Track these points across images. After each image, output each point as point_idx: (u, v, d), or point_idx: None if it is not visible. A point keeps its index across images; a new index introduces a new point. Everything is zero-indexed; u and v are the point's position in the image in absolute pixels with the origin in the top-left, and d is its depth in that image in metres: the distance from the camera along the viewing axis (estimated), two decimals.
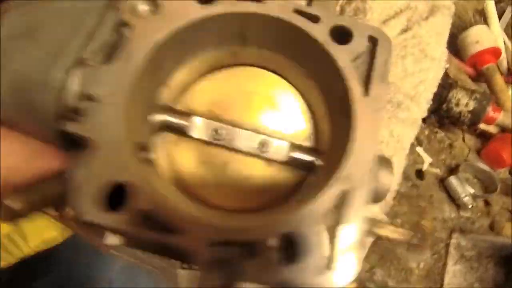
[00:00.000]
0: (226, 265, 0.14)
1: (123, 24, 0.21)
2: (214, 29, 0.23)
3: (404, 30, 0.50)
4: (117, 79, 0.19)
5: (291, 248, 0.15)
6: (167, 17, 0.21)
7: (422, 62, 0.46)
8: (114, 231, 0.16)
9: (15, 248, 1.17)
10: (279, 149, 0.23)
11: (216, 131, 0.24)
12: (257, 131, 0.24)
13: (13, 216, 0.18)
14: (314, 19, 0.21)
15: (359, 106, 0.19)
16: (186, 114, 0.25)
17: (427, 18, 0.51)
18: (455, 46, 0.65)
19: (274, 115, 0.25)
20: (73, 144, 0.18)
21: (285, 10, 0.22)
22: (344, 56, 0.20)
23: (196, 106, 0.26)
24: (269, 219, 0.17)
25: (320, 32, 0.21)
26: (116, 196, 0.16)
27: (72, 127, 0.18)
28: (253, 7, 0.22)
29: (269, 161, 0.24)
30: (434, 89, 0.47)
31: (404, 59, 0.46)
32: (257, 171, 0.24)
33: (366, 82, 0.20)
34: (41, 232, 1.14)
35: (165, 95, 0.25)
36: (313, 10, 0.22)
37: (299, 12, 0.22)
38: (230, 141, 0.24)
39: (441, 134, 0.58)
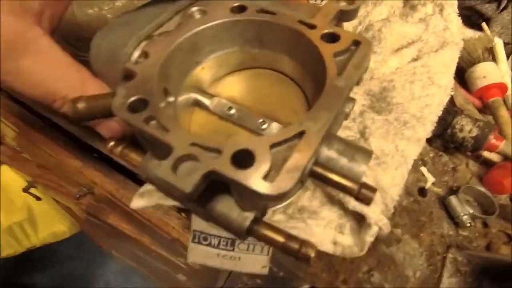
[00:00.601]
0: (195, 159, 0.21)
1: (181, 22, 0.32)
2: (238, 31, 0.32)
3: (415, 59, 0.56)
4: (163, 46, 0.29)
5: (245, 159, 0.21)
6: (205, 19, 0.31)
7: (429, 88, 0.51)
8: (131, 125, 0.24)
9: (25, 238, 1.21)
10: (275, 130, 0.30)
11: (229, 108, 0.31)
12: (261, 114, 0.31)
13: (76, 114, 0.26)
14: (312, 26, 0.30)
15: (330, 81, 0.26)
16: (211, 95, 0.33)
17: (437, 50, 0.57)
18: (464, 80, 0.69)
19: (280, 108, 0.32)
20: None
21: (292, 20, 0.30)
22: (328, 50, 0.28)
23: (221, 93, 0.34)
24: (233, 139, 0.23)
25: (314, 35, 0.29)
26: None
27: (128, 64, 0.28)
28: (268, 17, 0.31)
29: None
30: (439, 113, 0.51)
31: (412, 84, 0.52)
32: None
33: (342, 68, 0.27)
34: (52, 224, 1.19)
35: (202, 79, 0.33)
36: (312, 21, 0.30)
37: (301, 22, 0.30)
38: (237, 118, 0.31)
39: (445, 158, 0.61)
